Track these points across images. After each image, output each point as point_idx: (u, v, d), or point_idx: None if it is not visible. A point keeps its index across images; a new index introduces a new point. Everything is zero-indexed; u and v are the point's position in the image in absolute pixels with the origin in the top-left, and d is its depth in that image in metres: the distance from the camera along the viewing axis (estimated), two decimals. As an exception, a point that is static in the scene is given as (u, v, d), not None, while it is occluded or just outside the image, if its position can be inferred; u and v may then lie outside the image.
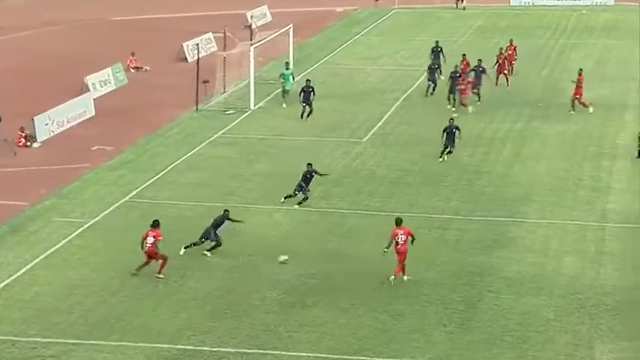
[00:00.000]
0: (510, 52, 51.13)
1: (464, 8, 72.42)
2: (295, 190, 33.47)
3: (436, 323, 24.99)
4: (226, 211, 29.84)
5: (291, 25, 51.90)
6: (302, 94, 44.11)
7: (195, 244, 29.15)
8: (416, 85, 50.51)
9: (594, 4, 73.30)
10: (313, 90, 44.20)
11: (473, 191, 34.82)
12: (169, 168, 37.69)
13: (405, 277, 27.22)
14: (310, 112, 43.97)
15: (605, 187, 34.86)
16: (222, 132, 42.78)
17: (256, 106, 46.49)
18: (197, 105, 46.32)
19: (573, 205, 33.15)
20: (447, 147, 38.11)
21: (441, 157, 38.01)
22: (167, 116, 44.97)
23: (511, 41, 52.30)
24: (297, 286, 27.11)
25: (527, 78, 51.34)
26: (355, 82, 52.03)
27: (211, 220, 29.48)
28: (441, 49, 50.92)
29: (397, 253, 27.08)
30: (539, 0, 74.88)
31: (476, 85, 45.95)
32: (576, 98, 44.52)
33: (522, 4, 74.94)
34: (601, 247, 29.58)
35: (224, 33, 51.46)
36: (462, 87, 45.37)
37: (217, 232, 29.23)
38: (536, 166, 37.14)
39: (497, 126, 42.94)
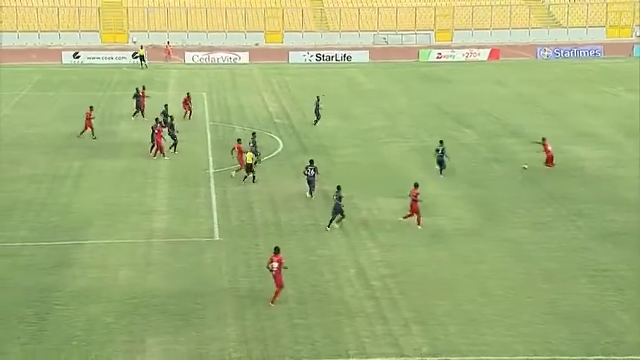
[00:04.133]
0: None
1: (146, 66, 70.60)
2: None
3: (10, 337, 23.80)
4: None
5: None
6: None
7: None
8: (-17, 132, 47.85)
9: (133, 63, 74.47)
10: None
11: (40, 221, 33.60)
12: None
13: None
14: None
15: (151, 210, 35.32)
16: None
17: None
18: None
19: (125, 227, 33.19)
20: None
21: None
22: None
23: (144, 87, 53.35)
24: None
25: (82, 123, 50.71)
26: None
27: None
28: (139, 92, 51.26)
29: None
30: (87, 59, 74.60)
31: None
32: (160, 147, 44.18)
33: (72, 62, 74.20)
34: (149, 260, 29.96)
35: None
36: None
37: None
38: (93, 197, 36.74)
39: (59, 164, 41.89)
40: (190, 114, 51.78)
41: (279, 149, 45.70)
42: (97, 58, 75.27)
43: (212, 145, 46.32)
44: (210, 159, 43.01)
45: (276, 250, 26.57)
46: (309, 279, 28.41)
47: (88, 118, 46.76)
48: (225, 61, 76.60)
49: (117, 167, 41.72)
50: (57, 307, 25.76)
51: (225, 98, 59.95)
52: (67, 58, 74.85)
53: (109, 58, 75.29)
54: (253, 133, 41.72)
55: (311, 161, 36.69)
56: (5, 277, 27.91)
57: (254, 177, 38.66)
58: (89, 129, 46.61)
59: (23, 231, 32.46)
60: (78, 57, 75.07)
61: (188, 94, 52.72)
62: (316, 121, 50.79)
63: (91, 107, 47.54)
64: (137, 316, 25.48)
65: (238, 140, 40.30)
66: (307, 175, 36.32)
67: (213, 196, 37.24)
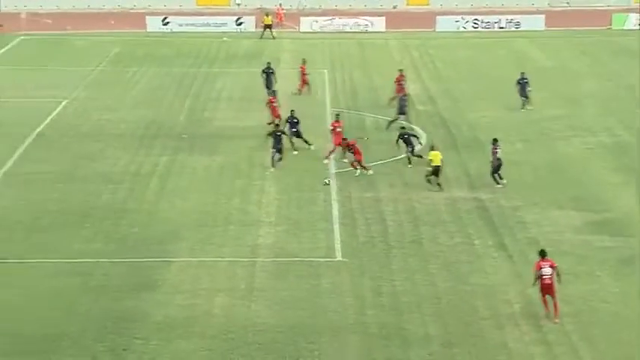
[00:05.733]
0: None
1: (273, 37, 72.77)
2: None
3: (80, 378, 24.83)
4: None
5: None
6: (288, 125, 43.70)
7: None
8: (50, 118, 49.82)
9: (238, 31, 75.86)
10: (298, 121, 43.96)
11: (118, 231, 34.81)
12: None
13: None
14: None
15: (255, 220, 35.97)
16: None
17: None
18: None
19: (223, 241, 33.97)
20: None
21: None
22: None
23: (304, 61, 55.56)
24: None
25: (171, 109, 52.20)
26: (-21, 117, 50.50)
27: None
28: (273, 72, 52.84)
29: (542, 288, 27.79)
30: (178, 27, 76.35)
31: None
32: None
33: (160, 30, 76.04)
34: (252, 284, 30.56)
35: None
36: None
37: None
38: (183, 202, 37.75)
39: (142, 160, 43.23)
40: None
41: (422, 144, 45.72)
42: (191, 25, 77.06)
43: (335, 137, 46.79)
44: (332, 156, 43.48)
45: (543, 254, 27.77)
46: (460, 315, 28.35)
47: (273, 106, 47.28)
48: (353, 29, 77.06)
49: (213, 165, 42.69)
50: (136, 342, 26.64)
51: (352, 78, 60.35)
52: (153, 24, 76.86)
53: (205, 25, 76.97)
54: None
55: (495, 140, 38.99)
56: (74, 302, 29.05)
57: (439, 183, 38.79)
58: (278, 118, 46.81)
59: (97, 244, 33.69)
60: (167, 24, 77.02)
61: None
62: (524, 104, 51.13)
63: (273, 92, 48.02)
64: (236, 355, 26.06)
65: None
66: (494, 158, 38.58)
67: (335, 205, 37.61)
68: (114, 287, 30.15)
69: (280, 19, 78.33)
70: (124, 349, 26.19)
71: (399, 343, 26.76)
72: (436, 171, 38.64)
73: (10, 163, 42.36)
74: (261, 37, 73.16)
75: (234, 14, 79.31)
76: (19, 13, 75.64)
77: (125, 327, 27.41)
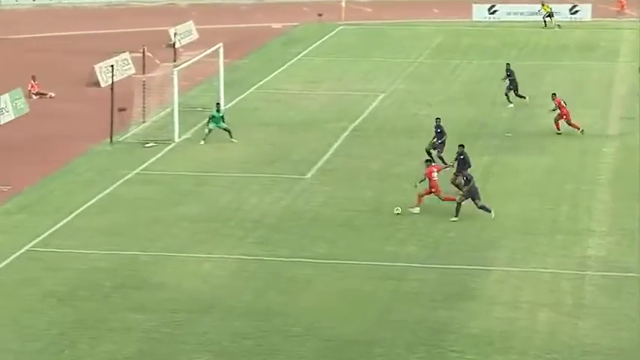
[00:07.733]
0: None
1: (559, 26, 72.93)
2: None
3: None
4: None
5: (221, 44, 52.03)
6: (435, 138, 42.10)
7: None
8: (367, 112, 50.87)
9: (569, 19, 74.61)
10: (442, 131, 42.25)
11: (432, 235, 34.96)
12: (78, 211, 37.33)
13: None
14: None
15: (585, 229, 35.21)
16: (141, 168, 42.59)
17: (181, 138, 46.46)
18: (112, 137, 46.13)
19: (548, 250, 33.42)
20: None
21: None
22: (76, 150, 44.69)
23: None
24: (229, 347, 26.94)
25: (494, 104, 51.97)
26: (296, 109, 52.27)
27: None
28: (512, 72, 51.67)
29: None
30: (506, 15, 76.07)
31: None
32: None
33: (486, 19, 75.94)
34: (580, 300, 29.84)
35: (143, 53, 51.46)
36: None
37: None
38: (505, 206, 37.41)
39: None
40: None
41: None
42: (519, 13, 76.53)
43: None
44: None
45: None
46: None
47: (562, 109, 46.48)
48: None
49: (539, 166, 42.14)
50: (451, 354, 26.59)
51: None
52: (479, 13, 77.07)
53: (535, 14, 76.20)
54: None
55: None
56: (387, 308, 29.37)
57: None
58: (565, 117, 46.28)
59: (410, 247, 33.97)
60: (494, 12, 76.99)
61: None
62: None
63: (554, 95, 47.12)
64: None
65: None
66: None
67: (679, 216, 36.21)
68: (427, 294, 30.24)
69: (622, 7, 76.76)
70: (437, 362, 26.27)
71: None
72: None
73: (324, 159, 43.56)
74: (555, 27, 71.57)
75: (568, 2, 78.12)
76: (339, 2, 77.86)
77: (440, 338, 27.38)
